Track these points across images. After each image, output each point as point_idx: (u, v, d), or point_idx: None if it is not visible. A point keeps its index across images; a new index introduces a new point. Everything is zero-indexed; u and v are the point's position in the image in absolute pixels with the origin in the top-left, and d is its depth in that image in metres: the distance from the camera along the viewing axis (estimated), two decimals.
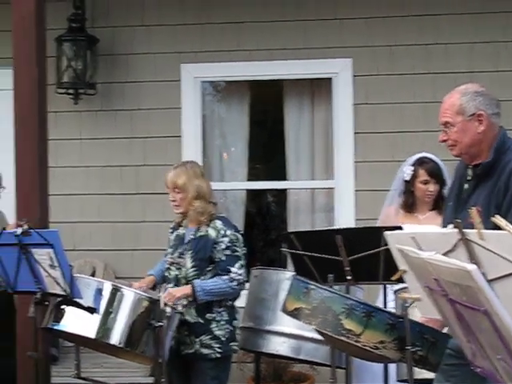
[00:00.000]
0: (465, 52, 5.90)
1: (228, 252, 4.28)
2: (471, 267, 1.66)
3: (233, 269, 4.25)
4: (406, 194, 4.82)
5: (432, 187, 4.74)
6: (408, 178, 4.78)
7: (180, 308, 4.17)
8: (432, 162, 4.77)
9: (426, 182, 4.75)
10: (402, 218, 4.82)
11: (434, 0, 5.93)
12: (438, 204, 4.76)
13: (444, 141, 3.26)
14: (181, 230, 4.45)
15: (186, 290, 4.23)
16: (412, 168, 4.79)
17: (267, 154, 7.20)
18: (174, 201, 4.39)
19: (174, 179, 4.36)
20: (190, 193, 4.31)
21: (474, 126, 3.21)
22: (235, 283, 4.25)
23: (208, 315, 4.29)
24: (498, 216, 2.54)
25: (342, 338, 3.22)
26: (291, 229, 6.12)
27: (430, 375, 3.55)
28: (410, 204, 4.81)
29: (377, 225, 4.86)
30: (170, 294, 4.15)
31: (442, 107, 3.27)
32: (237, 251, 4.30)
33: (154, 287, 4.48)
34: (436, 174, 4.73)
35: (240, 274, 4.26)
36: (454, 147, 3.25)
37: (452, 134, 3.22)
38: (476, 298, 1.71)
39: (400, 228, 4.07)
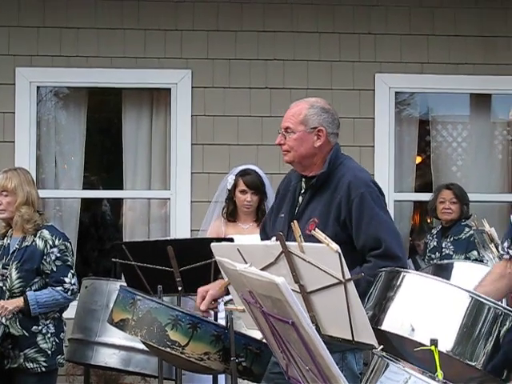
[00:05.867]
0: (301, 69, 6.05)
1: (59, 262, 4.22)
2: (279, 280, 1.69)
3: (66, 279, 4.21)
4: (227, 202, 4.98)
5: (249, 197, 4.88)
6: (230, 187, 4.95)
7: (4, 320, 4.04)
8: (253, 174, 4.92)
9: (244, 192, 4.87)
10: (224, 226, 4.94)
11: (272, 17, 6.05)
12: (260, 216, 4.89)
13: (280, 144, 3.32)
14: (5, 241, 4.32)
15: (18, 302, 4.12)
16: (233, 177, 4.95)
17: (104, 163, 7.10)
18: None
19: (4, 182, 4.24)
20: (19, 197, 4.22)
21: (312, 139, 3.29)
22: (69, 293, 4.21)
23: (34, 328, 4.18)
24: (317, 229, 2.62)
25: (168, 350, 3.21)
26: (127, 239, 6.06)
27: None
28: (230, 212, 4.94)
29: (208, 236, 4.92)
30: (2, 307, 4.02)
31: (287, 112, 3.34)
32: (68, 260, 4.26)
33: None
34: (255, 185, 4.88)
35: (73, 284, 4.23)
36: (288, 153, 3.31)
37: (290, 140, 3.29)
38: (285, 310, 1.75)
39: (231, 240, 4.13)
